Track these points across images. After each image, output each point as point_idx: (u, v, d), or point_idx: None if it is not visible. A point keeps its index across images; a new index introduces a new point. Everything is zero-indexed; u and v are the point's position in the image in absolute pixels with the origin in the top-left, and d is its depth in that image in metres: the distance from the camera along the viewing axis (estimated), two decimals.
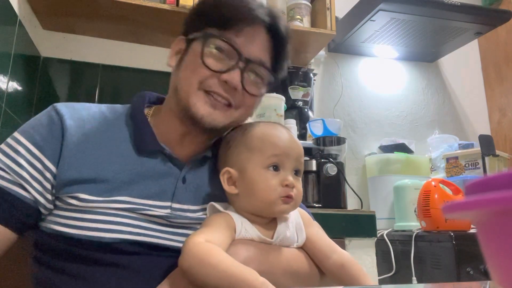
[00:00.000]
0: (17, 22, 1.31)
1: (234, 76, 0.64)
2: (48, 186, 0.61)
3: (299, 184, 0.64)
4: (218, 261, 0.52)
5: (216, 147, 0.73)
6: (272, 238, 0.63)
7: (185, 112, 0.65)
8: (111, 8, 1.48)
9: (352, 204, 1.63)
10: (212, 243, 0.55)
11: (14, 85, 1.29)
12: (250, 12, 0.65)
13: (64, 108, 0.66)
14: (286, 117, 1.59)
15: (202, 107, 0.64)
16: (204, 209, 0.67)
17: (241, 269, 0.52)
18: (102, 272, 0.59)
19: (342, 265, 0.64)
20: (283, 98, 1.54)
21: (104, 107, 0.71)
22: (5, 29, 1.21)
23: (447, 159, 1.89)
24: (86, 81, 1.67)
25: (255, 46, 0.66)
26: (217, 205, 0.64)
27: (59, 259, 0.61)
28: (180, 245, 0.62)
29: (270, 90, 0.73)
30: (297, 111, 1.75)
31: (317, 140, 1.54)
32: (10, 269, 0.74)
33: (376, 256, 1.29)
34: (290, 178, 0.62)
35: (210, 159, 0.72)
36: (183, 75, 0.67)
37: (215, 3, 0.67)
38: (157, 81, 1.74)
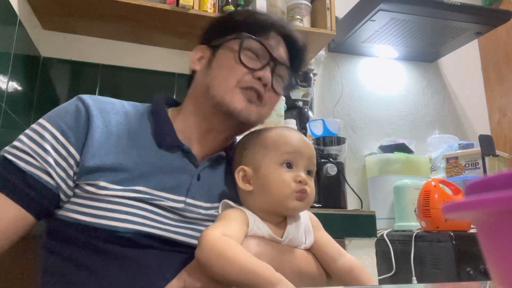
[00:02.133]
0: (17, 22, 1.31)
1: (267, 74, 0.70)
2: (71, 172, 0.63)
3: (311, 183, 0.66)
4: (236, 256, 0.53)
5: (230, 149, 0.76)
6: (281, 237, 0.65)
7: (218, 108, 0.69)
8: (111, 8, 1.48)
9: (352, 204, 1.63)
10: (229, 237, 0.56)
11: (14, 85, 1.29)
12: (276, 22, 0.73)
13: (90, 99, 0.68)
14: (286, 117, 1.59)
15: (239, 103, 0.68)
16: (216, 207, 0.69)
17: (258, 264, 0.53)
18: (113, 264, 0.60)
19: (351, 269, 0.66)
20: (283, 98, 1.54)
21: (125, 103, 0.74)
22: (5, 29, 1.21)
23: (447, 159, 1.89)
24: (86, 81, 1.67)
25: (280, 50, 0.73)
26: (231, 202, 0.66)
27: (71, 248, 0.61)
28: (191, 240, 0.65)
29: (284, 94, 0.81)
30: (297, 111, 1.75)
31: (317, 140, 1.54)
32: (13, 265, 0.74)
33: (376, 256, 1.29)
34: (303, 175, 0.64)
35: (224, 159, 0.75)
36: (217, 75, 0.71)
37: (245, 13, 0.74)
38: (157, 81, 1.74)
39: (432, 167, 2.00)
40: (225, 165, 0.76)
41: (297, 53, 0.76)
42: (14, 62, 1.27)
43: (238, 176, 0.67)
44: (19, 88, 1.34)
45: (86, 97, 0.68)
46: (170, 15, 1.52)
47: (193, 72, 0.76)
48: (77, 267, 0.61)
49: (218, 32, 0.75)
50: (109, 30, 1.65)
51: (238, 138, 0.78)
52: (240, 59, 0.69)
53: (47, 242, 0.65)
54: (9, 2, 1.23)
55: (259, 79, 0.69)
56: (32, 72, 1.51)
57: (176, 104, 0.81)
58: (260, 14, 0.74)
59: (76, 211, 0.61)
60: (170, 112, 0.76)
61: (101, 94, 1.66)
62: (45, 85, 1.59)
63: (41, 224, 0.66)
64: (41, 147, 0.62)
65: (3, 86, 1.19)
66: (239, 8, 1.69)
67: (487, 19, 1.84)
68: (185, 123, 0.72)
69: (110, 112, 0.68)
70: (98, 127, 0.65)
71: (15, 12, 1.29)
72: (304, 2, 1.78)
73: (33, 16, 1.51)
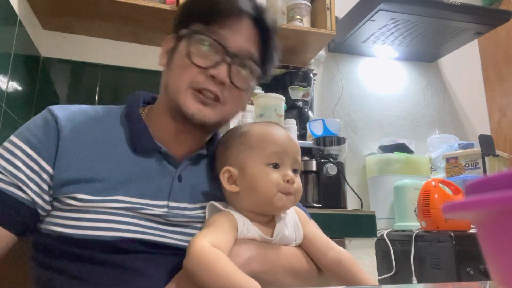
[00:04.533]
0: (17, 22, 1.31)
1: (221, 71, 0.64)
2: (45, 187, 0.61)
3: (298, 179, 0.65)
4: (222, 269, 0.53)
5: (211, 146, 0.73)
6: (271, 236, 0.64)
7: (176, 110, 0.66)
8: (111, 8, 1.48)
9: (352, 204, 1.63)
10: (218, 246, 0.55)
11: (14, 85, 1.29)
12: (234, 4, 0.65)
13: (59, 110, 0.66)
14: (286, 117, 1.59)
15: (192, 105, 0.64)
16: (201, 208, 0.67)
17: (243, 279, 0.52)
18: (103, 271, 0.59)
19: (339, 261, 0.65)
20: (283, 98, 1.54)
21: (99, 108, 0.71)
22: (5, 29, 1.22)
23: (447, 159, 1.89)
24: (86, 81, 1.67)
25: (241, 38, 0.66)
26: (218, 204, 0.65)
27: (59, 260, 0.61)
28: (180, 243, 0.63)
29: (263, 84, 0.73)
30: (297, 111, 1.75)
31: (317, 140, 1.54)
32: (10, 270, 0.74)
33: (376, 256, 1.29)
34: (290, 174, 0.64)
35: (205, 157, 0.72)
36: (173, 74, 0.67)
37: None
38: (157, 81, 1.73)
39: (432, 167, 2.00)
40: (206, 163, 0.72)
41: (265, 34, 0.69)
42: (14, 62, 1.27)
43: (224, 177, 0.65)
44: (19, 88, 1.34)
45: (55, 108, 0.66)
46: (170, 15, 1.51)
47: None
48: (66, 277, 0.60)
49: (180, 20, 0.69)
50: (109, 30, 1.65)
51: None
52: (189, 58, 0.64)
53: (35, 255, 0.64)
54: (9, 2, 1.23)
55: (213, 77, 0.64)
56: (32, 72, 1.51)
57: (155, 100, 0.77)
58: None
59: (58, 224, 0.60)
60: (146, 111, 0.73)
61: (101, 94, 1.67)
62: (45, 85, 1.59)
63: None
64: (11, 164, 0.61)
65: (3, 86, 1.19)
66: None
67: (487, 19, 1.84)
68: (157, 124, 0.69)
69: (81, 121, 0.66)
70: (69, 138, 0.63)
71: (15, 12, 1.29)
72: (304, 2, 1.78)
73: (33, 16, 1.51)
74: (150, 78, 1.74)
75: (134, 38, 1.72)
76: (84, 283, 0.59)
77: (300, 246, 0.68)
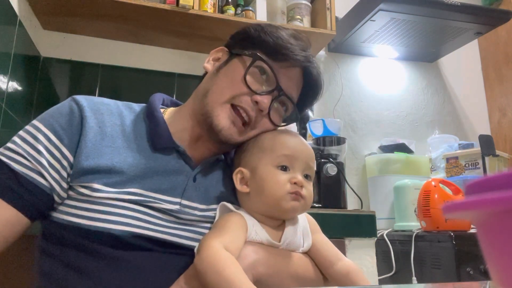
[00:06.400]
0: (17, 22, 1.31)
1: (265, 100, 0.67)
2: (65, 174, 0.62)
3: (309, 186, 0.66)
4: (233, 277, 0.53)
5: (230, 153, 0.76)
6: (279, 241, 0.64)
7: (205, 118, 0.68)
8: (111, 8, 1.48)
9: (352, 204, 1.63)
10: (229, 249, 0.56)
11: (14, 85, 1.29)
12: (299, 53, 0.70)
13: (84, 100, 0.68)
14: None
15: (223, 120, 0.67)
16: (212, 209, 0.69)
17: None
18: (107, 266, 0.60)
19: (348, 272, 0.66)
20: None
21: (120, 103, 0.73)
22: (5, 29, 1.21)
23: (447, 159, 1.89)
24: (86, 81, 1.67)
25: (292, 83, 0.71)
26: (229, 205, 0.66)
27: (67, 251, 0.61)
28: (186, 242, 0.65)
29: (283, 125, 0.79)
30: None
31: (317, 140, 1.54)
32: (12, 265, 0.74)
33: (376, 256, 1.29)
34: (299, 177, 0.64)
35: (221, 162, 0.75)
36: (219, 83, 0.69)
37: (272, 34, 0.70)
38: (157, 81, 1.74)
39: (432, 167, 2.00)
40: (222, 168, 0.75)
41: (309, 92, 0.75)
42: (14, 62, 1.27)
43: (236, 178, 0.67)
44: (19, 88, 1.34)
45: (80, 97, 0.68)
46: (170, 15, 1.51)
47: (206, 72, 0.75)
48: (72, 269, 0.60)
49: (241, 41, 0.73)
50: (109, 30, 1.65)
51: None
52: (244, 77, 0.67)
53: (42, 244, 0.64)
54: (9, 2, 1.23)
55: (256, 102, 0.67)
56: (32, 72, 1.51)
57: (174, 104, 0.81)
58: (290, 40, 0.70)
59: (70, 214, 0.61)
60: (167, 112, 0.75)
61: (101, 94, 1.66)
62: (45, 85, 1.59)
63: (39, 225, 0.66)
64: (34, 149, 0.62)
65: (3, 86, 1.19)
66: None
67: (487, 19, 1.84)
68: (180, 125, 0.71)
69: (104, 113, 0.68)
70: (92, 128, 0.64)
71: (15, 12, 1.29)
72: (304, 2, 1.78)
73: (33, 16, 1.51)
74: (150, 78, 1.74)
75: (134, 38, 1.72)
76: (87, 276, 0.60)
77: (308, 254, 0.69)
